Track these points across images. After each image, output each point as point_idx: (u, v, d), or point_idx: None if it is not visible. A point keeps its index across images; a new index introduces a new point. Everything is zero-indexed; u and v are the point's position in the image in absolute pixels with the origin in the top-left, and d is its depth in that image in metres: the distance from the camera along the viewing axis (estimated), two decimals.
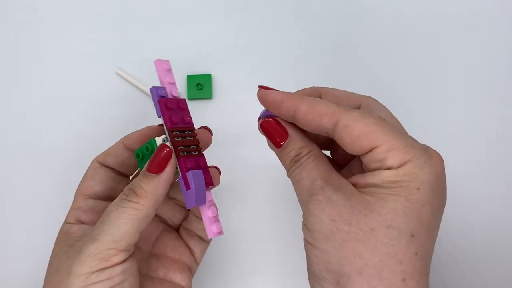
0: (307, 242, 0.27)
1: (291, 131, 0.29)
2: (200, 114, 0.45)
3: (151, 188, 0.29)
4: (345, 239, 0.25)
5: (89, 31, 0.50)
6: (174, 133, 0.30)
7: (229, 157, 0.45)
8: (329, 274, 0.25)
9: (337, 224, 0.25)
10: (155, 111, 0.31)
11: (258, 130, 0.31)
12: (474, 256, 0.43)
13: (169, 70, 0.32)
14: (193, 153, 0.30)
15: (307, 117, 0.28)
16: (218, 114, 0.47)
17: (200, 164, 0.30)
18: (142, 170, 0.29)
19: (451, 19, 0.51)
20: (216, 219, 0.30)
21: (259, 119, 0.31)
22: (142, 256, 0.34)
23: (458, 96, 0.48)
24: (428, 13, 0.51)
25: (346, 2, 0.51)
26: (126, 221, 0.28)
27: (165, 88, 0.32)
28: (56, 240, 0.32)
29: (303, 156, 0.28)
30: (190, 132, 0.31)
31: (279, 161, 0.31)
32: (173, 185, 0.33)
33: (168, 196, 0.36)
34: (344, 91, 0.32)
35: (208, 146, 0.35)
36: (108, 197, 0.34)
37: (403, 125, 0.29)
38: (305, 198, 0.27)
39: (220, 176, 0.35)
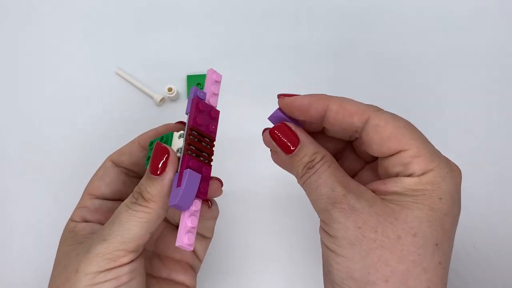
0: (327, 249, 0.26)
1: (302, 137, 0.28)
2: None
3: (156, 192, 0.28)
4: (372, 246, 0.25)
5: (89, 31, 0.50)
6: (192, 132, 0.30)
7: (228, 158, 0.44)
8: (352, 281, 0.25)
9: (362, 231, 0.25)
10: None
11: (262, 141, 0.30)
12: (474, 256, 0.43)
13: (218, 83, 0.32)
14: (201, 159, 0.30)
15: (337, 116, 0.27)
16: None
17: (203, 171, 0.29)
18: (146, 171, 0.29)
19: (451, 19, 0.51)
20: (192, 231, 0.28)
21: (264, 130, 0.30)
22: (146, 255, 0.34)
23: (458, 96, 0.48)
24: (428, 13, 0.51)
25: (346, 2, 0.51)
26: (136, 223, 0.28)
27: (206, 93, 0.31)
28: (62, 237, 0.31)
29: (317, 162, 0.27)
30: (208, 141, 0.30)
31: (279, 162, 0.31)
32: None
33: None
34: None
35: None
36: (116, 199, 0.34)
37: None
38: (325, 206, 0.26)
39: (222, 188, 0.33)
